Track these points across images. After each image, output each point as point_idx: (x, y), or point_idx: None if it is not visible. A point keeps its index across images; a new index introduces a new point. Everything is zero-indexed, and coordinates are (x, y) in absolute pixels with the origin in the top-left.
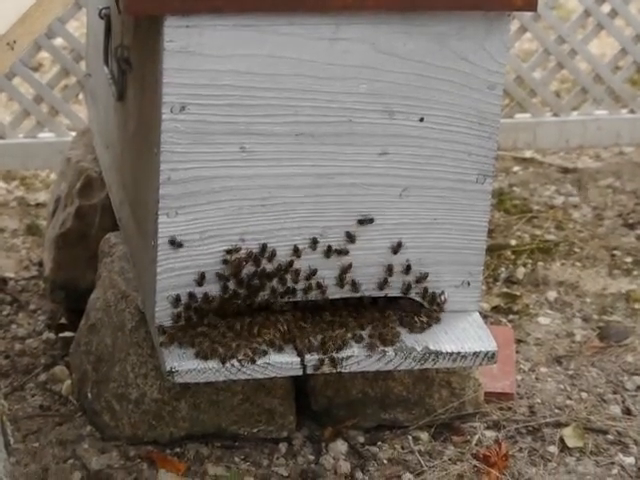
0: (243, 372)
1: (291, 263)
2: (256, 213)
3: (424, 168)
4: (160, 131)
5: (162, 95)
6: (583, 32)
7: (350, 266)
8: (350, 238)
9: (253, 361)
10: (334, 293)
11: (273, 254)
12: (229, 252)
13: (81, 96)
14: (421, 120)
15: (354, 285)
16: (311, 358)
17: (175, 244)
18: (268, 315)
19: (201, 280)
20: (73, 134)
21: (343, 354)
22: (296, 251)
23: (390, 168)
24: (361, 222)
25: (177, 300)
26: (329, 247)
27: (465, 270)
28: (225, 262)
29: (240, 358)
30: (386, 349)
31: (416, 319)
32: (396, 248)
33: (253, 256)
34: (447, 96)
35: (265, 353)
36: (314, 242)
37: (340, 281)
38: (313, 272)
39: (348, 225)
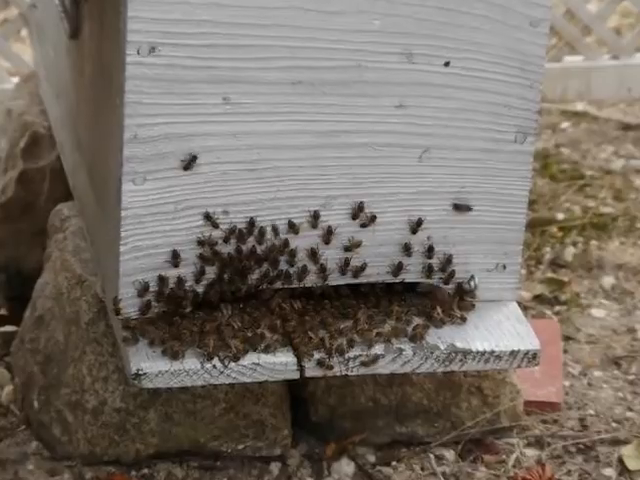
0: (226, 375)
1: (285, 243)
2: (243, 180)
3: (450, 124)
4: (124, 78)
5: (126, 33)
6: None
7: (359, 245)
8: (359, 211)
9: (236, 359)
10: (338, 279)
11: (263, 231)
12: (210, 222)
13: (24, 32)
14: (446, 65)
15: (363, 269)
16: (311, 358)
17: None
18: (258, 305)
19: (175, 261)
20: (15, 80)
21: (350, 353)
22: (292, 227)
23: (408, 124)
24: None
25: (145, 286)
26: (329, 227)
27: (500, 250)
28: (200, 242)
29: (222, 357)
30: (403, 347)
31: (439, 311)
32: (415, 224)
33: (237, 232)
34: (479, 35)
35: (254, 351)
36: (314, 216)
37: (346, 264)
38: (313, 253)
39: (356, 194)
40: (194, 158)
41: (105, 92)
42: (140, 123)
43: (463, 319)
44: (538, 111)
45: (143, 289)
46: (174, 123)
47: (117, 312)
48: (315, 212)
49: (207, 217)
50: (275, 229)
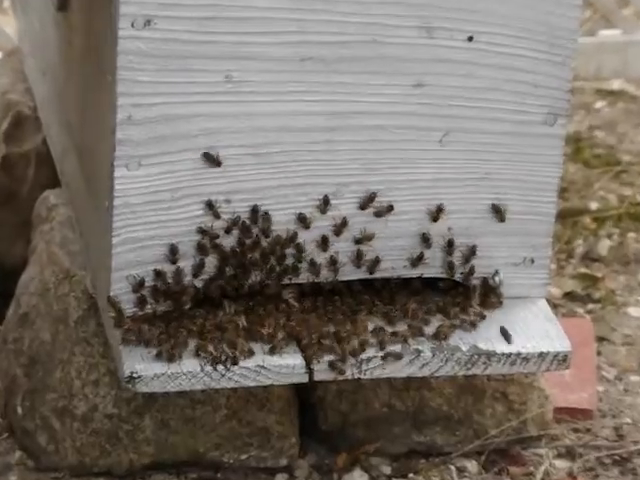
0: (229, 378)
1: (293, 236)
2: (246, 165)
3: (473, 105)
4: (116, 53)
5: (119, 4)
6: None
7: (371, 237)
8: (370, 200)
9: (235, 363)
10: (351, 273)
11: (268, 221)
12: (212, 211)
13: (7, 3)
14: (470, 39)
15: (378, 262)
16: (320, 360)
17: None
18: (263, 302)
19: (172, 254)
20: None
21: (363, 355)
22: (302, 220)
23: (427, 105)
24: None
25: (140, 281)
26: (344, 219)
27: (528, 243)
28: (201, 231)
29: (224, 359)
30: (421, 348)
31: (460, 308)
32: (435, 213)
33: (240, 223)
34: (504, 7)
35: (258, 353)
36: (325, 203)
37: (358, 257)
38: (324, 241)
39: (370, 182)
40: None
41: (96, 69)
42: (134, 103)
43: (482, 316)
44: (570, 90)
45: (138, 284)
46: (171, 103)
47: (115, 307)
48: (325, 199)
49: (209, 205)
50: (281, 219)
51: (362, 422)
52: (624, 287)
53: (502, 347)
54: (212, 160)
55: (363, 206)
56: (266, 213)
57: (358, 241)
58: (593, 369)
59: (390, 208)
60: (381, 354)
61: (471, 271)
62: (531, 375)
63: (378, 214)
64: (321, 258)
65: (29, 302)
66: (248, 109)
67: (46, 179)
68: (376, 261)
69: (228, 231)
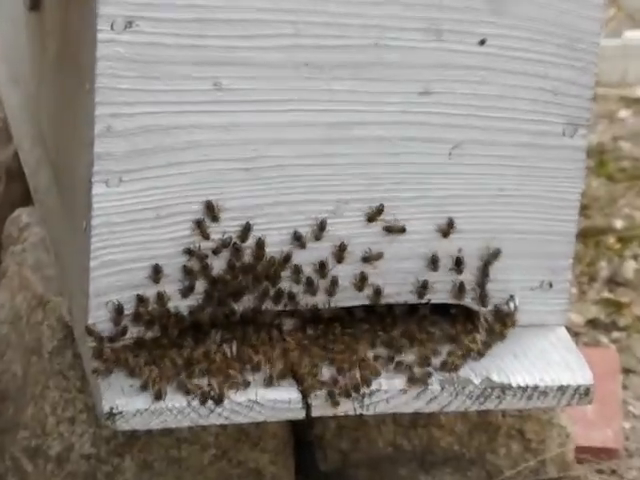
0: (218, 414)
1: (287, 257)
2: (237, 181)
3: (486, 114)
4: (95, 58)
5: (97, 4)
6: None
7: (381, 256)
8: (375, 214)
9: (224, 397)
10: (352, 299)
11: (261, 242)
12: (200, 230)
13: None
14: (481, 43)
15: (380, 290)
16: (319, 394)
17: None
18: (255, 330)
19: (156, 277)
20: None
21: (366, 388)
22: (298, 239)
23: (435, 114)
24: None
25: (120, 307)
26: (342, 244)
27: (546, 265)
28: (189, 252)
29: (213, 393)
30: (429, 381)
31: (472, 337)
32: (446, 228)
33: (231, 245)
34: (520, 7)
35: (250, 386)
36: (320, 228)
37: (361, 282)
38: (321, 266)
39: (372, 198)
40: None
41: (73, 76)
42: (114, 113)
43: (491, 345)
44: (592, 98)
45: (118, 311)
46: (155, 113)
47: (93, 336)
48: (321, 221)
49: (198, 225)
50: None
51: (364, 462)
52: None
53: (518, 379)
54: (211, 209)
55: (371, 218)
56: (260, 239)
57: (366, 259)
58: (618, 404)
59: (402, 230)
60: (385, 386)
61: (484, 296)
62: (550, 411)
63: (389, 229)
64: (319, 282)
65: None
66: (239, 119)
67: (17, 196)
68: (378, 288)
69: (217, 252)
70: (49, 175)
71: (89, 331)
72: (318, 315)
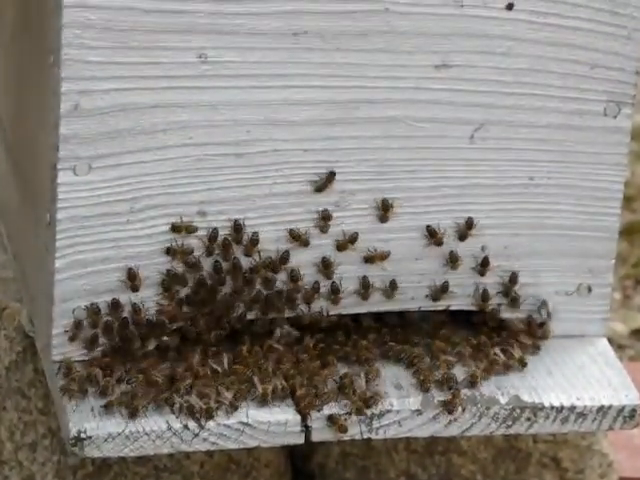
0: (203, 439)
1: (285, 257)
2: (226, 168)
3: (513, 91)
4: (60, 26)
5: None
6: None
7: (387, 256)
8: (385, 209)
9: (211, 418)
10: (357, 305)
11: (255, 240)
12: (175, 229)
13: None
14: (509, 8)
15: (392, 290)
16: (319, 415)
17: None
18: (247, 341)
19: (132, 280)
20: None
21: (374, 408)
22: (296, 238)
23: (455, 92)
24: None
25: (91, 315)
26: (353, 235)
27: (584, 266)
28: (170, 251)
29: (197, 414)
30: (448, 400)
31: (498, 349)
32: (464, 229)
33: (221, 242)
34: None
35: (241, 406)
36: (325, 219)
37: (364, 288)
38: (325, 265)
39: (381, 189)
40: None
41: (34, 47)
42: (83, 89)
43: (523, 361)
44: (637, 72)
45: (88, 319)
46: (131, 90)
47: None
48: (325, 212)
49: (179, 220)
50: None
51: None
52: None
53: (551, 399)
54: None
55: (383, 217)
56: (254, 234)
57: (368, 260)
58: None
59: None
60: (397, 407)
61: (511, 302)
62: (589, 436)
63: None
64: (321, 286)
65: None
66: (228, 97)
67: None
68: (393, 287)
69: (209, 252)
70: (5, 163)
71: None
72: (318, 323)
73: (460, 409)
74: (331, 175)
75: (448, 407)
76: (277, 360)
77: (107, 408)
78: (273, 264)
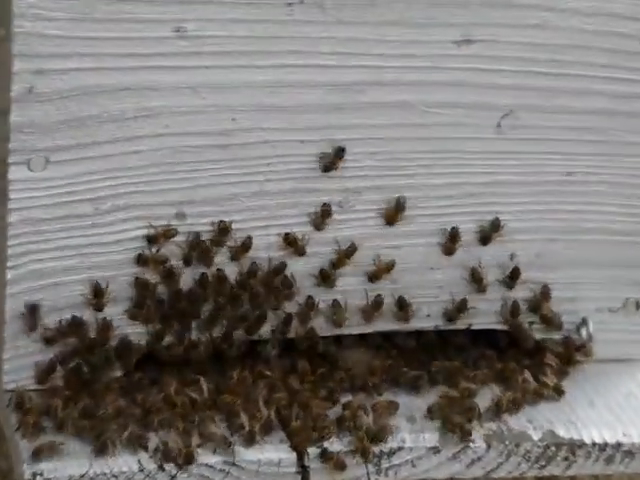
0: None
1: (280, 268)
2: (209, 162)
3: (548, 71)
4: None
5: None
6: None
7: (392, 267)
8: (399, 208)
9: (190, 459)
10: (360, 325)
11: (247, 245)
12: (151, 240)
13: None
14: None
15: (402, 307)
16: (318, 452)
17: None
18: (234, 365)
19: (97, 293)
20: None
21: (384, 445)
22: (291, 243)
23: (478, 71)
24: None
25: (49, 335)
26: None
27: (631, 278)
28: (141, 259)
29: (175, 453)
30: (471, 436)
31: (528, 376)
32: (488, 231)
33: (202, 248)
34: None
35: (226, 444)
36: (325, 214)
37: (375, 306)
38: (324, 277)
39: (392, 186)
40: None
41: None
42: (39, 69)
43: (560, 390)
44: None
45: (44, 340)
46: (95, 69)
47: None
48: (325, 206)
49: (150, 240)
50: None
51: None
52: None
53: (593, 434)
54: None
55: (390, 218)
56: (249, 237)
57: (372, 277)
58: None
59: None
60: (410, 443)
61: (545, 320)
62: (638, 478)
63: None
64: (320, 302)
65: None
66: (210, 78)
67: None
68: (402, 304)
69: (186, 261)
70: None
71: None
72: (315, 344)
73: (483, 443)
74: (340, 151)
75: (463, 434)
76: (269, 387)
77: (34, 455)
78: (265, 276)
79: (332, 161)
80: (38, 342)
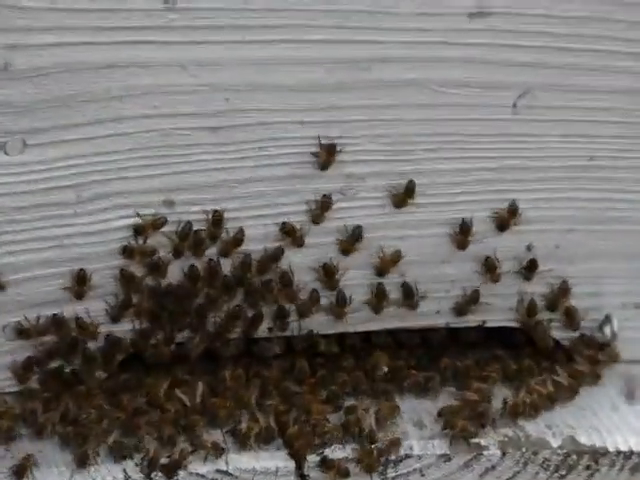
0: None
1: (276, 255)
2: (199, 146)
3: (567, 46)
4: None
5: None
6: None
7: (398, 258)
8: (408, 194)
9: (178, 467)
10: (367, 321)
11: (241, 236)
12: (138, 230)
13: None
14: None
15: (409, 300)
16: (318, 460)
17: None
18: (227, 366)
19: (79, 289)
20: None
21: (391, 454)
22: (290, 232)
23: (492, 47)
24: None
25: (25, 333)
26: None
27: None
28: (126, 251)
29: (164, 462)
30: (483, 442)
31: (547, 377)
32: (506, 217)
33: (193, 238)
34: None
35: (218, 451)
36: (323, 207)
37: (377, 299)
38: (327, 272)
39: (398, 172)
40: None
41: None
42: (14, 43)
43: (576, 390)
44: None
45: (22, 338)
46: (77, 45)
47: None
48: (324, 197)
49: (136, 231)
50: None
51: None
52: None
53: (617, 441)
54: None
55: (398, 202)
56: (241, 229)
57: (380, 271)
58: None
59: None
60: (418, 450)
61: (565, 317)
62: None
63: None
64: (321, 297)
65: None
66: (201, 54)
67: None
68: (409, 294)
69: (177, 252)
70: None
71: None
72: (314, 344)
73: (497, 450)
74: (331, 147)
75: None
76: (264, 389)
77: (60, 452)
78: (261, 265)
79: (326, 159)
80: (13, 340)
